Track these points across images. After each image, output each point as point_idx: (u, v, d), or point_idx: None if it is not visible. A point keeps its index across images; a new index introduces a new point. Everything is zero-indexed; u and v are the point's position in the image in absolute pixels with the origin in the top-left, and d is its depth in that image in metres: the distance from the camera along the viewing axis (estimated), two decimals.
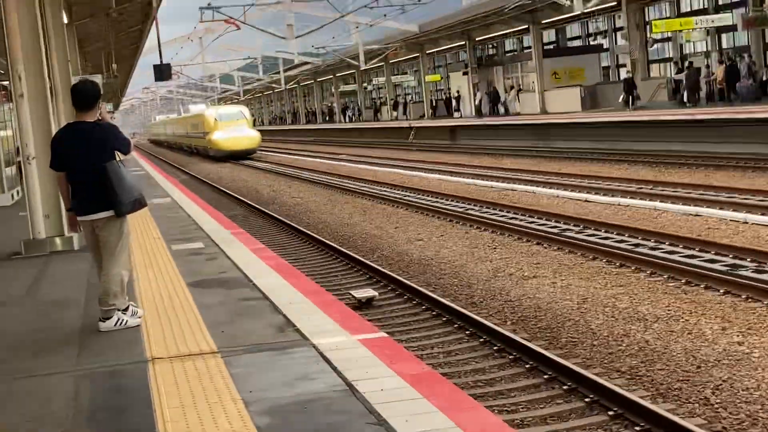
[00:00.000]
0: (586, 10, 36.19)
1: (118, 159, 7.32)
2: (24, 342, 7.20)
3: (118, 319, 7.28)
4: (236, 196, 27.47)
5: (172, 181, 27.57)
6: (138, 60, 48.88)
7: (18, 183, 22.62)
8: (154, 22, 26.24)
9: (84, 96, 7.33)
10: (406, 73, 68.03)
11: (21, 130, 12.43)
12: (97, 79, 24.59)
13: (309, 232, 17.77)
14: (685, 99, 33.42)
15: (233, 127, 50.57)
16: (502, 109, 48.57)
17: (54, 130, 12.57)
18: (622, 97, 35.63)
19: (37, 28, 12.50)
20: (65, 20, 20.67)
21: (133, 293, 8.45)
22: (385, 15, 46.81)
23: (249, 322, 7.16)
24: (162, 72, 25.00)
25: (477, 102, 48.90)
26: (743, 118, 26.46)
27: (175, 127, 76.17)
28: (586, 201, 19.61)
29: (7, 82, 20.76)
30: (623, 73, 42.46)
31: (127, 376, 5.95)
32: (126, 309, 7.39)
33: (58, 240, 12.57)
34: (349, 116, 75.10)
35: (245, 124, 51.75)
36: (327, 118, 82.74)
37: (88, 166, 7.20)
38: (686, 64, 36.19)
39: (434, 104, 57.07)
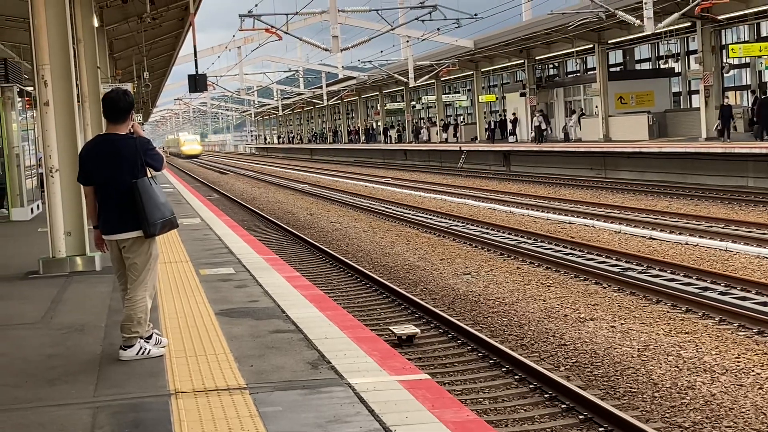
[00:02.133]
0: (657, 31, 36.07)
1: (149, 175, 7.37)
2: (38, 369, 7.23)
3: (141, 348, 7.31)
4: (270, 218, 27.60)
5: (201, 200, 27.76)
6: (171, 69, 49.41)
7: (38, 196, 22.88)
8: (191, 29, 26.49)
9: (116, 106, 7.37)
10: (458, 92, 68.12)
11: (44, 140, 12.54)
12: (128, 87, 24.86)
13: (347, 261, 17.80)
14: (755, 131, 33.15)
15: (190, 144, 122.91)
16: (561, 135, 48.46)
17: (80, 141, 12.72)
18: (716, 125, 35.12)
19: (66, 30, 12.62)
20: (96, 23, 20.96)
21: (157, 321, 8.50)
22: (438, 29, 46.89)
23: (280, 357, 7.17)
24: (197, 83, 25.14)
25: (538, 124, 48.62)
26: None
27: (173, 143, 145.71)
28: (650, 238, 19.48)
29: (32, 88, 21.07)
30: (695, 101, 42.17)
31: (148, 410, 5.96)
32: (149, 337, 7.42)
33: (78, 260, 12.66)
34: (391, 137, 75.10)
35: (196, 143, 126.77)
36: (363, 139, 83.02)
37: (117, 182, 7.26)
38: (759, 93, 35.98)
39: (492, 126, 56.90)
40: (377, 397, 5.99)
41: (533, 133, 47.91)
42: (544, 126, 48.15)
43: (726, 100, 35.81)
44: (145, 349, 7.32)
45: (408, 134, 72.99)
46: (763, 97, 35.30)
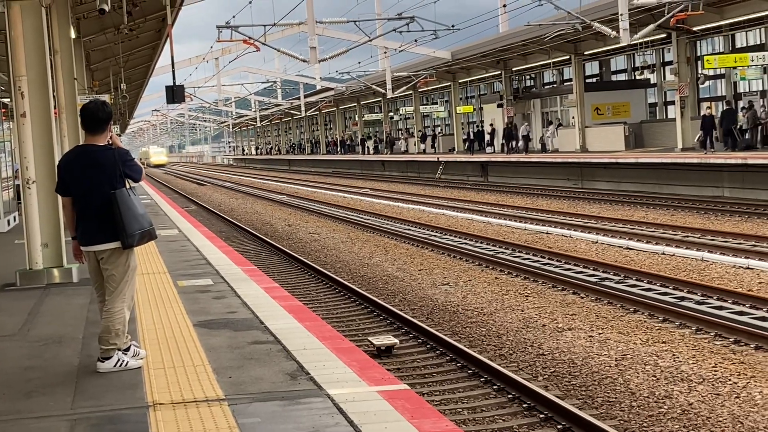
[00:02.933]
0: (632, 42, 36.24)
1: (128, 186, 7.34)
2: (15, 381, 7.19)
3: (119, 360, 7.28)
4: (248, 229, 27.55)
5: (179, 211, 27.69)
6: (149, 80, 49.29)
7: (15, 208, 22.76)
8: (168, 40, 26.46)
9: (95, 117, 7.35)
10: (436, 103, 68.22)
11: (21, 151, 12.49)
12: (105, 99, 24.77)
13: (326, 271, 17.78)
14: (728, 142, 33.44)
15: (157, 156, 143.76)
16: (538, 145, 48.59)
17: (57, 152, 12.67)
18: (698, 136, 35.09)
19: (43, 41, 12.59)
20: (73, 35, 20.87)
21: (135, 333, 8.47)
22: (416, 40, 46.95)
23: (259, 368, 7.15)
24: (175, 94, 25.08)
25: (526, 134, 48.43)
26: None
27: (144, 155, 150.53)
28: (627, 248, 19.54)
29: (8, 100, 20.96)
30: (671, 112, 42.38)
31: (126, 422, 5.94)
32: (127, 349, 7.39)
33: (56, 271, 12.60)
34: (368, 147, 75.13)
35: (163, 155, 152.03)
36: (340, 150, 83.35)
37: (96, 193, 7.24)
38: (724, 104, 36.33)
39: (471, 137, 56.80)
40: (356, 407, 5.98)
41: (521, 143, 47.51)
42: (532, 135, 47.92)
43: (708, 110, 36.01)
44: (123, 361, 7.29)
45: (379, 146, 72.98)
46: (725, 108, 35.66)
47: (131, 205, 7.24)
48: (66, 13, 19.51)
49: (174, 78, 25.74)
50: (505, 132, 49.73)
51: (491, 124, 53.76)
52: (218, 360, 7.46)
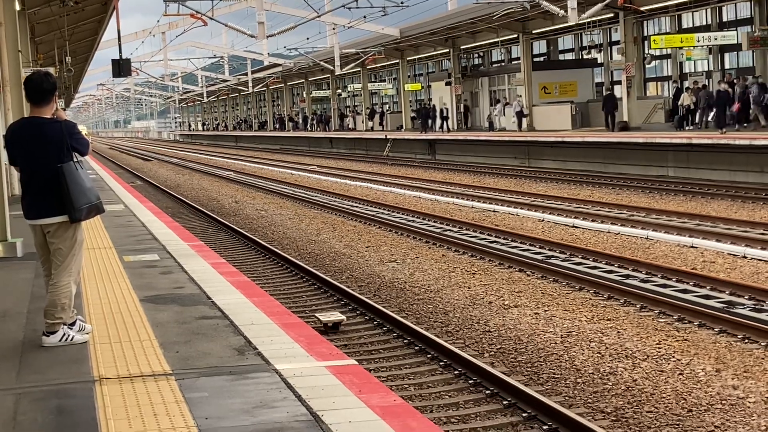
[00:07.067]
0: (580, 21, 36.42)
1: (75, 159, 7.27)
2: None
3: (64, 334, 7.23)
4: (195, 205, 27.41)
5: (124, 186, 27.48)
6: (94, 54, 48.76)
7: None
8: (114, 13, 26.18)
9: (39, 89, 7.25)
10: (384, 81, 68.15)
11: None
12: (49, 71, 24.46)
13: (273, 248, 17.75)
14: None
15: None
16: (486, 124, 48.69)
17: (1, 126, 12.52)
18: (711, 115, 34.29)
19: None
20: (17, 7, 20.59)
21: (81, 307, 8.40)
22: (364, 17, 46.84)
23: (206, 343, 7.14)
24: (121, 68, 24.88)
25: (519, 109, 47.53)
26: (742, 145, 26.71)
27: None
28: (573, 227, 19.70)
29: None
30: (618, 91, 42.69)
31: (72, 397, 5.90)
32: (73, 323, 7.33)
33: None
34: (312, 125, 75.18)
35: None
36: (278, 126, 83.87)
37: (42, 166, 7.16)
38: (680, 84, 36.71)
39: (445, 114, 56.24)
40: (304, 382, 5.99)
41: (514, 119, 46.53)
42: (526, 111, 46.74)
43: (607, 91, 36.46)
44: (69, 335, 7.24)
45: (334, 122, 72.83)
46: (606, 92, 36.22)
47: (79, 179, 7.18)
48: None
49: (120, 51, 25.52)
50: (420, 114, 49.65)
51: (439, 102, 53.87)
52: (165, 335, 7.44)
